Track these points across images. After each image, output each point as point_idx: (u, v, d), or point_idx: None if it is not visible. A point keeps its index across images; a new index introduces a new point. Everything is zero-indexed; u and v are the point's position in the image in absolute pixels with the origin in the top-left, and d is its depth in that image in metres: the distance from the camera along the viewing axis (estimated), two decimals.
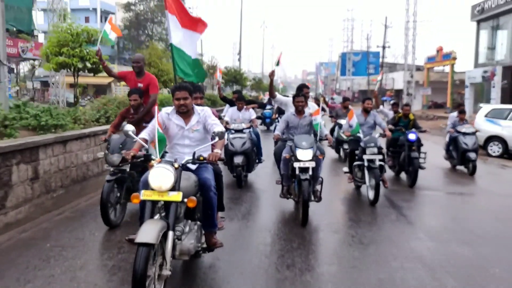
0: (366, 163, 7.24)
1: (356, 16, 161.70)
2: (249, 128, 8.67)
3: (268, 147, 12.12)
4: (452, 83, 36.94)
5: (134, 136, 4.10)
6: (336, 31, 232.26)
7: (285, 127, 6.63)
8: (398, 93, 42.33)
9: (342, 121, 11.74)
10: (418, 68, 42.70)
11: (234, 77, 36.09)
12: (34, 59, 26.96)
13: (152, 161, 3.75)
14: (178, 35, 7.06)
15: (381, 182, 7.18)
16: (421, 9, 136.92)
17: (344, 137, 11.59)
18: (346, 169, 8.34)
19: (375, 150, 7.19)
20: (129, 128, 4.19)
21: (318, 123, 6.47)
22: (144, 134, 4.21)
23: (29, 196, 6.03)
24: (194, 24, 7.39)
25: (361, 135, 7.47)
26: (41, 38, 30.26)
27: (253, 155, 8.73)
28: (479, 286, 4.26)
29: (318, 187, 6.40)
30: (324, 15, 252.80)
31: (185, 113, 4.24)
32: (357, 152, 7.65)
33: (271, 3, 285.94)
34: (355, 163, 7.66)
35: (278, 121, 12.02)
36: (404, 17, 34.83)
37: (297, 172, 6.02)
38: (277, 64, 7.48)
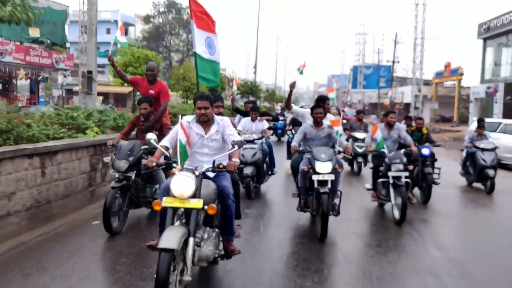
0: (391, 180, 6.83)
1: (368, 31, 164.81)
2: (260, 138, 8.49)
3: (278, 158, 11.87)
4: (459, 98, 37.51)
5: (156, 144, 4.14)
6: (348, 45, 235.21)
7: (303, 139, 6.45)
8: (407, 106, 43.70)
9: (357, 134, 11.57)
10: (427, 83, 43.99)
11: (250, 88, 37.67)
12: (65, 69, 29.14)
13: (174, 169, 3.80)
14: (202, 43, 7.07)
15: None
16: (431, 26, 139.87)
17: (359, 150, 11.24)
18: (369, 186, 7.94)
19: (401, 166, 6.80)
20: (151, 136, 4.24)
21: (338, 132, 6.34)
22: (165, 141, 4.28)
23: None
24: (212, 26, 7.44)
25: (385, 150, 7.13)
26: (71, 49, 32.47)
27: (263, 167, 8.54)
28: None
29: (336, 200, 6.17)
30: (336, 28, 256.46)
31: (205, 122, 4.29)
32: (381, 168, 7.26)
33: (285, 16, 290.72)
34: (380, 180, 7.25)
35: (292, 133, 11.75)
36: (412, 34, 36.66)
37: (315, 185, 5.81)
38: (301, 73, 7.48)
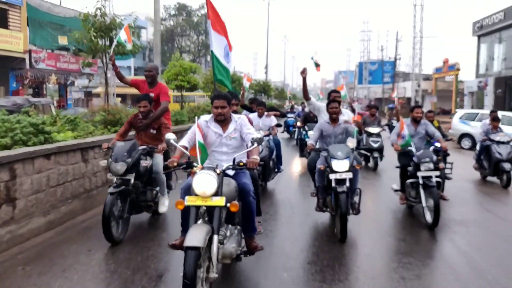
0: (421, 181, 6.26)
1: (373, 27, 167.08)
2: (267, 135, 8.10)
3: (288, 156, 11.91)
4: (456, 92, 38.91)
5: (176, 144, 4.04)
6: (353, 41, 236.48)
7: (319, 136, 6.11)
8: (408, 100, 46.17)
9: (371, 129, 11.24)
10: (428, 78, 46.28)
11: (263, 88, 40.14)
12: (91, 74, 31.83)
13: (194, 168, 3.76)
14: (218, 46, 7.11)
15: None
16: (431, 24, 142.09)
17: (374, 145, 11.00)
18: (396, 186, 7.33)
19: (431, 165, 6.24)
20: (171, 136, 4.11)
21: (355, 130, 6.04)
22: (184, 141, 4.17)
23: None
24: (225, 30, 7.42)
25: (413, 148, 6.56)
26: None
27: (270, 164, 8.20)
28: None
29: (355, 198, 5.81)
30: (342, 26, 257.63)
31: (223, 121, 4.23)
32: (409, 168, 6.69)
33: (291, 15, 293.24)
34: (408, 181, 6.69)
35: (305, 129, 11.61)
36: (412, 33, 39.22)
37: (333, 184, 5.49)
38: (316, 65, 7.18)
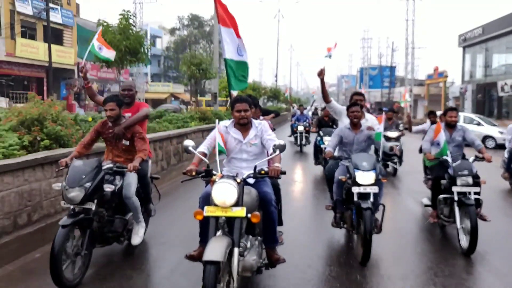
0: (456, 197, 5.10)
1: (373, 35, 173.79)
2: None
3: (293, 162, 11.62)
4: (445, 96, 42.06)
5: (195, 151, 3.65)
6: (355, 47, 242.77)
7: (338, 143, 5.23)
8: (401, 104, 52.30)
9: (389, 133, 10.32)
10: (421, 83, 51.74)
11: (274, 94, 42.60)
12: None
13: (214, 177, 3.42)
14: (231, 48, 6.40)
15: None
16: (427, 36, 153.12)
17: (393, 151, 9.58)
18: (427, 201, 6.21)
19: (470, 179, 5.05)
20: (189, 143, 3.68)
21: (380, 133, 5.01)
22: (202, 148, 3.79)
23: None
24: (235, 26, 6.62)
25: (449, 158, 5.32)
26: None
27: None
28: None
29: (377, 215, 4.88)
30: (344, 32, 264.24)
31: (244, 126, 3.88)
32: (443, 181, 5.45)
33: (296, 21, 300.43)
34: (441, 196, 5.39)
35: (319, 135, 10.58)
36: (404, 44, 43.98)
37: (355, 198, 4.65)
38: (330, 57, 6.60)
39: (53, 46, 23.27)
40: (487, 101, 32.09)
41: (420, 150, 7.43)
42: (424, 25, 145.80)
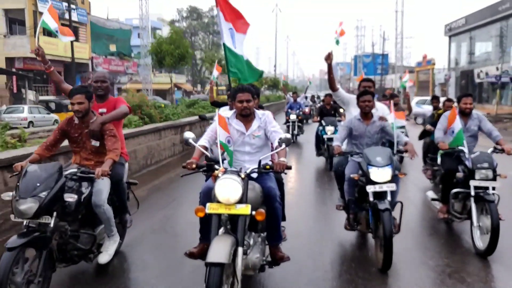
0: (472, 192, 4.43)
1: (366, 23, 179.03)
2: None
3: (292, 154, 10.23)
4: (433, 82, 44.23)
5: (195, 144, 3.36)
6: (349, 36, 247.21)
7: (348, 136, 4.62)
8: (393, 90, 55.73)
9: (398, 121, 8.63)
10: (412, 71, 54.91)
11: (273, 83, 44.04)
12: (132, 74, 39.12)
13: (216, 171, 3.16)
14: (229, 36, 6.18)
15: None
16: (413, 26, 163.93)
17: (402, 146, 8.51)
18: (433, 194, 5.52)
19: (490, 173, 4.41)
20: (189, 135, 3.37)
21: (394, 125, 4.49)
22: (203, 141, 3.47)
23: None
24: (243, 26, 6.54)
25: (465, 148, 4.65)
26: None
27: None
28: None
29: (394, 213, 4.06)
30: (339, 21, 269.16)
31: (246, 117, 3.55)
32: (458, 174, 4.76)
33: (292, 11, 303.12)
34: (454, 190, 4.70)
35: (322, 125, 9.72)
36: (394, 34, 47.00)
37: (370, 198, 4.06)
38: (337, 42, 5.77)
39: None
40: (470, 87, 32.97)
41: (420, 137, 7.18)
42: (414, 16, 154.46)
